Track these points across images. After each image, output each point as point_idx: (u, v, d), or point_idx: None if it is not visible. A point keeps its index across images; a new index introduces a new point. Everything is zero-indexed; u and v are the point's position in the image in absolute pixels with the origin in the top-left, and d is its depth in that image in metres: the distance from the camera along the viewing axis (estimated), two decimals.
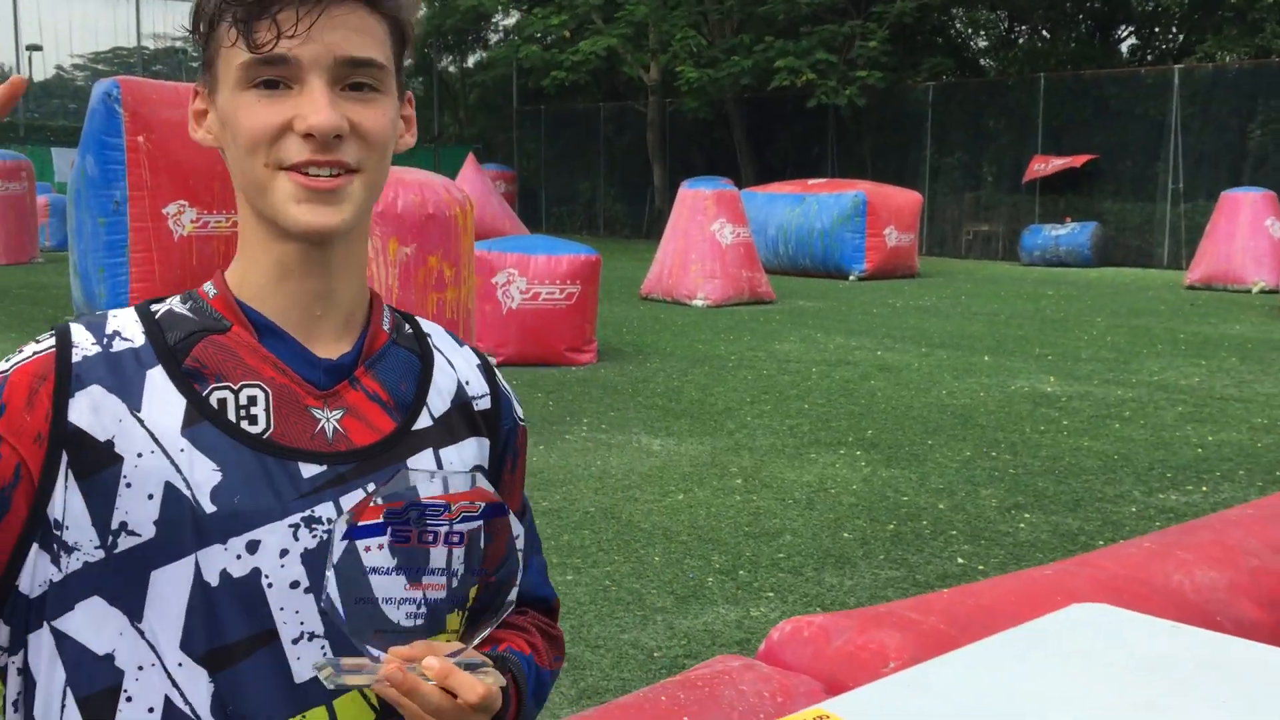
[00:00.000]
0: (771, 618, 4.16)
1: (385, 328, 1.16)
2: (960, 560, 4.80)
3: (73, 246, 11.46)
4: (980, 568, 4.68)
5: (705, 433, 7.15)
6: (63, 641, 1.01)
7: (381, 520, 0.96)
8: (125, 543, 1.00)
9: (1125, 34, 28.25)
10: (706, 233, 14.40)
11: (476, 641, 1.00)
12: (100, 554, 1.00)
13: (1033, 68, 25.72)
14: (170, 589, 1.00)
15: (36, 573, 1.00)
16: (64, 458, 1.00)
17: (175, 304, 1.11)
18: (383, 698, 0.99)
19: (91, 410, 1.01)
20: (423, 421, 1.14)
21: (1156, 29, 27.55)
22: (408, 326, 1.20)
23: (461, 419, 1.17)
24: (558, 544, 4.99)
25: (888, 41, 25.00)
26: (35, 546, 1.00)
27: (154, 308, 1.11)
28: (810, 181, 20.45)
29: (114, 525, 1.00)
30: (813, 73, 24.56)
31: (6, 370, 1.02)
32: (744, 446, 6.79)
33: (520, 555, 1.01)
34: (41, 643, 1.02)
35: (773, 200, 19.57)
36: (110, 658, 1.01)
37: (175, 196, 10.88)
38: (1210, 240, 17.19)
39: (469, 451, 1.16)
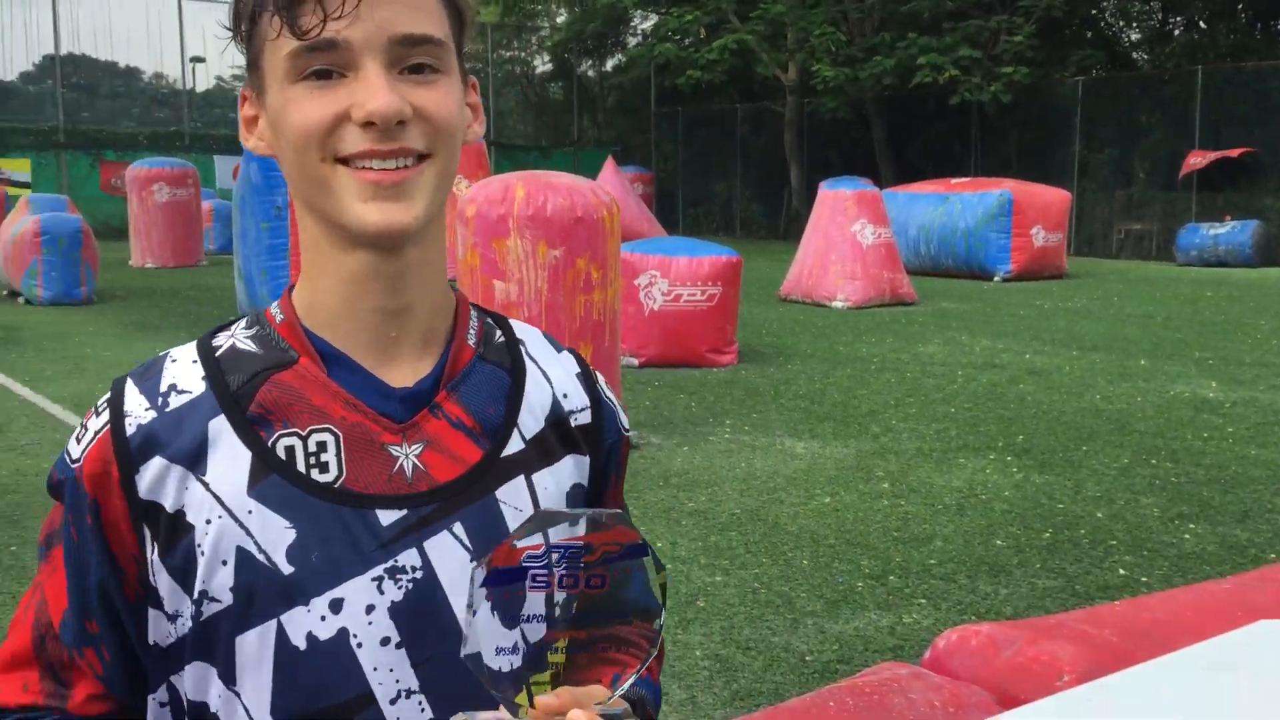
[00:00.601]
0: (924, 625, 4.12)
1: (471, 342, 1.07)
2: (1122, 571, 4.66)
3: (237, 250, 12.01)
4: (1144, 579, 4.53)
5: (849, 435, 7.09)
6: (186, 693, 1.01)
7: (520, 565, 0.89)
8: (209, 609, 0.97)
9: None
10: (847, 233, 14.25)
11: (623, 690, 0.93)
12: (190, 623, 0.98)
13: (1189, 60, 24.68)
14: (256, 654, 0.97)
15: (158, 630, 1.00)
16: (146, 533, 0.98)
17: (240, 335, 1.04)
18: None
19: (157, 482, 0.97)
20: (513, 445, 1.05)
21: None
22: (499, 335, 1.10)
23: (557, 437, 1.08)
24: (705, 545, 5.03)
25: (1034, 36, 24.30)
26: (150, 609, 1.00)
27: (216, 342, 1.04)
28: (953, 180, 20.02)
29: (196, 594, 0.97)
30: (956, 69, 24.04)
31: (79, 460, 0.99)
32: (890, 450, 6.71)
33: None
34: (178, 684, 1.01)
35: (914, 200, 19.24)
36: (217, 716, 0.99)
37: None
38: None
39: (565, 472, 1.08)
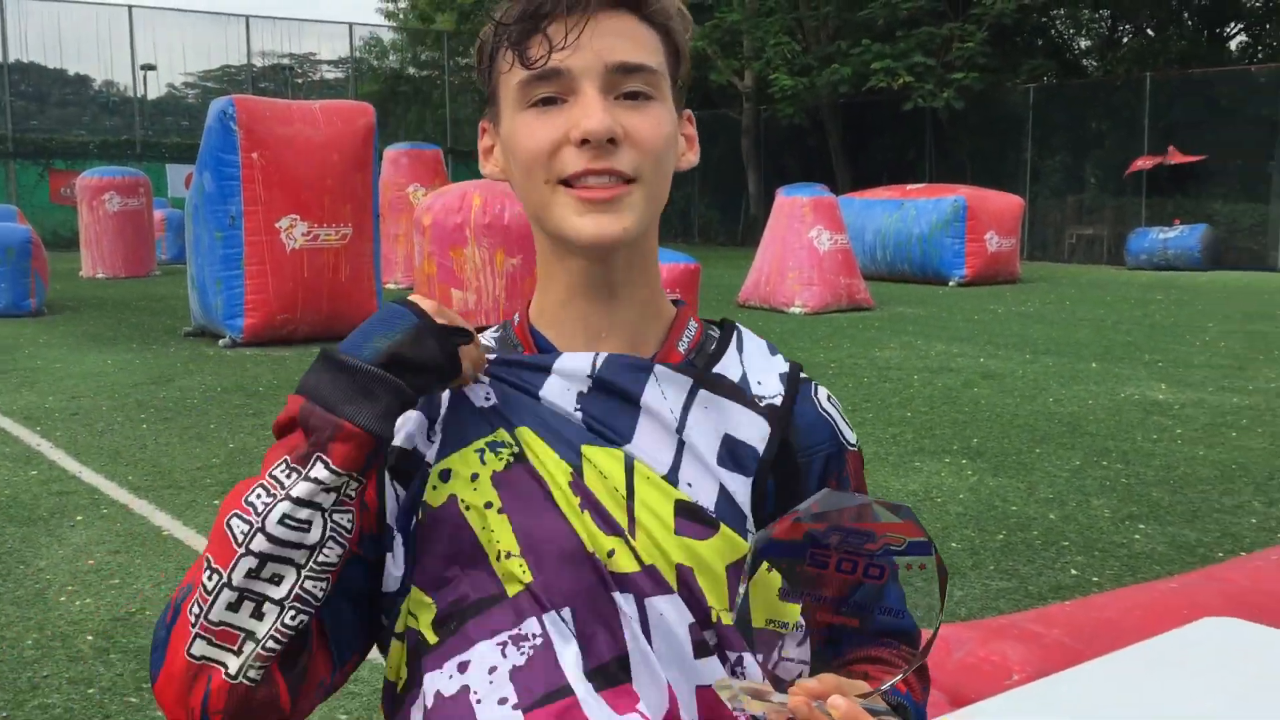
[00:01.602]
0: None
1: (681, 349, 1.15)
2: (1074, 571, 4.73)
3: (190, 260, 11.90)
4: (1095, 579, 4.60)
5: None
6: None
7: (801, 540, 0.89)
8: None
9: (1234, 31, 27.40)
10: (804, 240, 14.35)
11: (889, 686, 0.94)
12: None
13: (1139, 67, 25.09)
14: None
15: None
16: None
17: (487, 333, 1.20)
18: None
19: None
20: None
21: (1268, 25, 26.67)
22: (716, 346, 1.17)
23: (733, 390, 1.13)
24: None
25: (986, 43, 24.62)
26: None
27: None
28: (908, 186, 20.23)
29: None
30: (910, 75, 24.29)
31: None
32: None
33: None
34: None
35: (870, 206, 19.41)
36: None
37: (287, 211, 11.22)
38: None
39: (761, 429, 1.11)
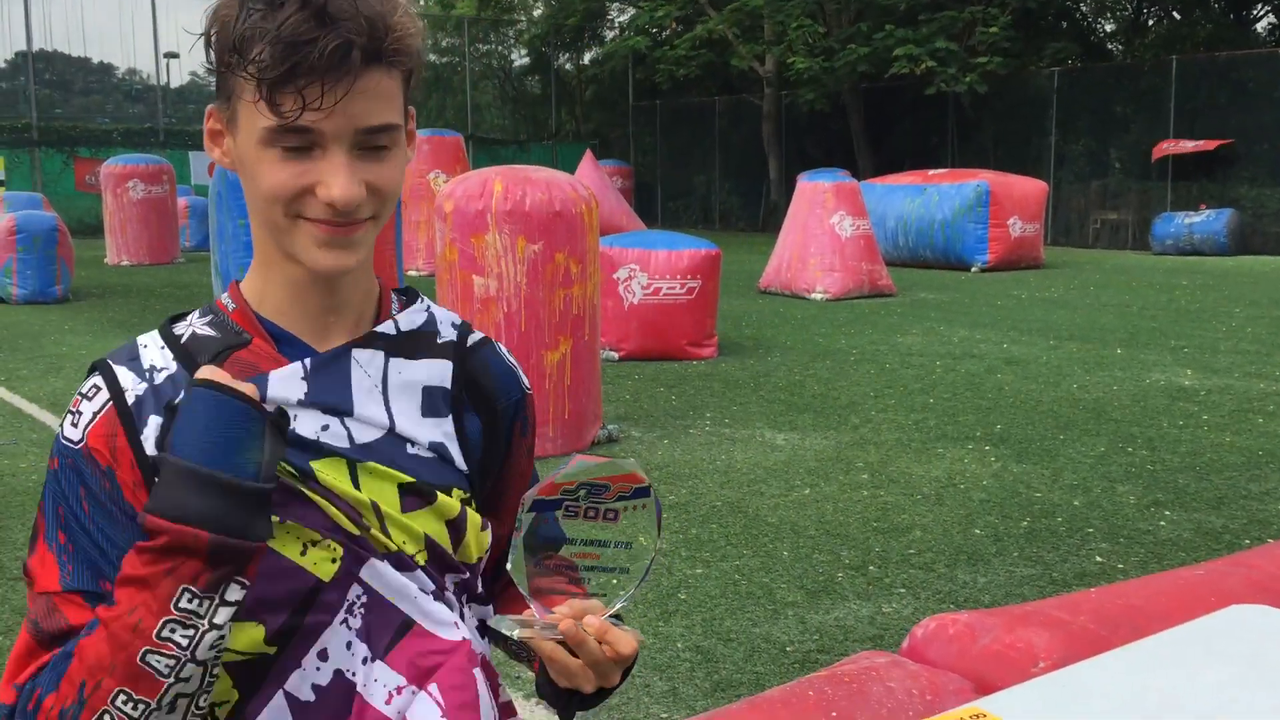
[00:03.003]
0: (904, 614, 4.15)
1: (394, 312, 1.25)
2: (1099, 559, 4.70)
3: (214, 247, 11.92)
4: (1120, 566, 4.58)
5: (829, 427, 7.12)
6: None
7: (558, 497, 1.11)
8: None
9: (1262, 13, 27.08)
10: (825, 225, 14.28)
11: (622, 603, 1.14)
12: None
13: (1164, 51, 24.83)
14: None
15: None
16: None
17: (197, 322, 1.19)
18: (540, 651, 1.12)
19: (156, 437, 1.11)
20: (384, 328, 1.22)
21: None
22: (407, 299, 1.29)
23: (421, 342, 1.24)
24: (686, 538, 5.04)
25: (1010, 27, 24.40)
26: None
27: (177, 331, 1.19)
28: (930, 172, 20.09)
29: None
30: (932, 60, 24.11)
31: (82, 439, 1.12)
32: (869, 441, 6.74)
33: None
34: None
35: (892, 191, 19.30)
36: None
37: None
38: None
39: (444, 371, 1.24)
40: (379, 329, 1.22)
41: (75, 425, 1.13)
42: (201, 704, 1.06)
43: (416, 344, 1.24)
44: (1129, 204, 23.89)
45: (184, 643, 1.01)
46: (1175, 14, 27.25)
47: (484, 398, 1.27)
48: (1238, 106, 22.21)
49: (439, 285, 6.69)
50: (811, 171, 15.29)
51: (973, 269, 17.92)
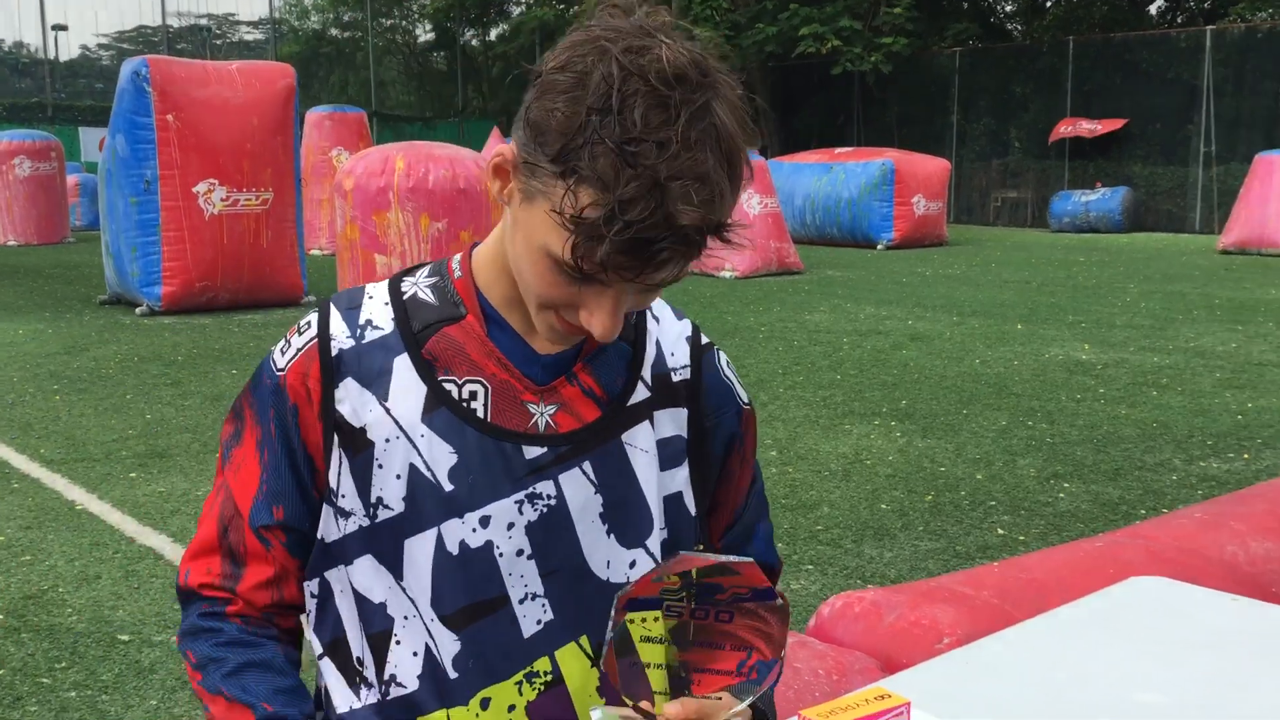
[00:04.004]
0: (812, 590, 4.16)
1: None
2: (1000, 531, 4.77)
3: (104, 226, 11.53)
4: (1021, 538, 4.65)
5: None
6: (353, 584, 1.18)
7: (658, 595, 1.05)
8: (383, 515, 1.16)
9: None
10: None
11: (744, 706, 1.07)
12: (367, 521, 1.16)
13: (1062, 32, 25.39)
14: (420, 555, 1.16)
15: (327, 526, 1.18)
16: (335, 439, 1.16)
17: (422, 283, 1.21)
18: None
19: (348, 401, 1.16)
20: (639, 395, 1.21)
21: None
22: (636, 318, 1.24)
23: (663, 388, 1.23)
24: None
25: (913, 8, 24.72)
26: (324, 506, 1.18)
27: (404, 287, 1.21)
28: (837, 150, 20.30)
29: (373, 499, 1.16)
30: (838, 40, 24.32)
31: (284, 369, 1.18)
32: (777, 418, 6.77)
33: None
34: (338, 579, 1.19)
35: (799, 170, 19.45)
36: (384, 606, 1.17)
37: (205, 175, 10.91)
38: (1244, 204, 16.96)
39: (669, 420, 1.22)
40: (636, 400, 1.21)
41: (284, 354, 1.20)
42: None
43: (663, 392, 1.23)
44: (1028, 182, 24.43)
45: None
46: None
47: (696, 416, 1.26)
48: (1132, 87, 22.82)
49: (340, 264, 6.55)
50: None
51: (879, 246, 18.16)
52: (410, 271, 1.23)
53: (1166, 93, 22.39)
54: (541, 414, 1.17)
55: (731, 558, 1.05)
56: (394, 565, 1.16)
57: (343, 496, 1.16)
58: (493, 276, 1.17)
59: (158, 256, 10.80)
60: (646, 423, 1.20)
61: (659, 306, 1.27)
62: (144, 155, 10.70)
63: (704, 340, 1.29)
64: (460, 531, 1.15)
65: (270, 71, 11.61)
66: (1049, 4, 28.58)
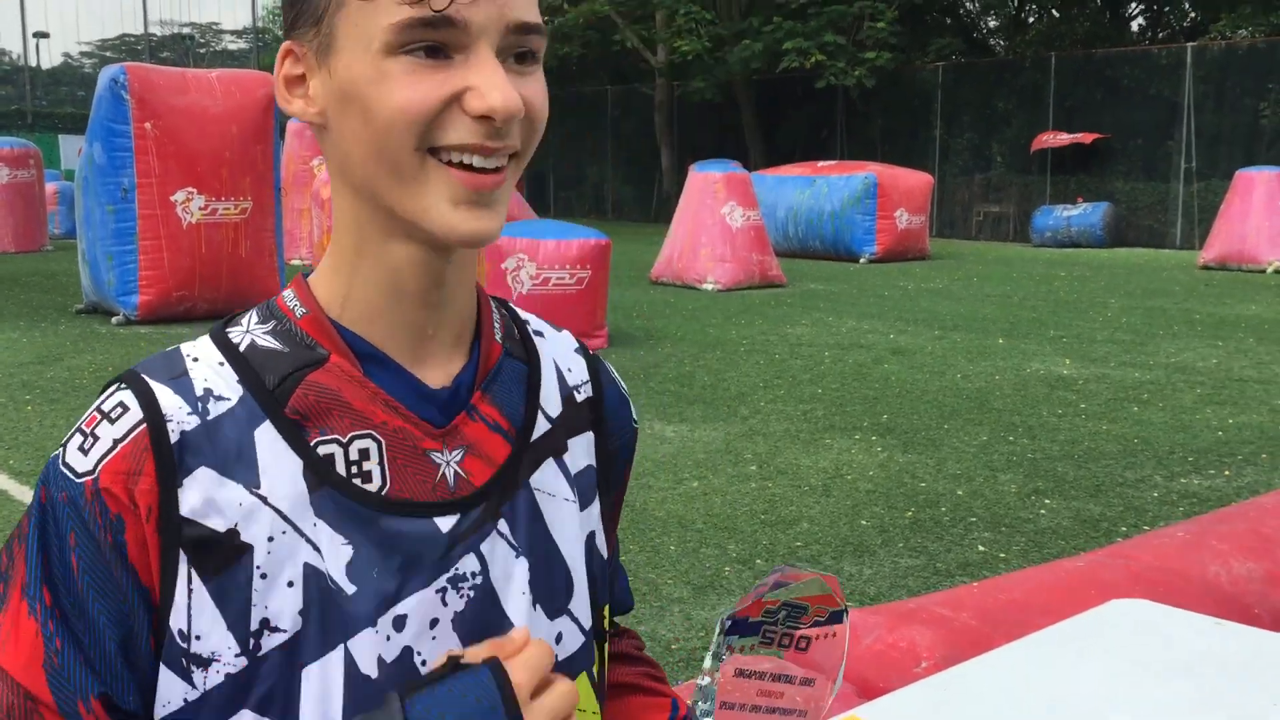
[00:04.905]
0: None
1: (498, 336, 0.99)
2: (981, 548, 4.74)
3: (81, 234, 11.43)
4: (1001, 555, 4.61)
5: (719, 419, 7.09)
6: None
7: (760, 618, 0.93)
8: (269, 642, 0.85)
9: (1135, 11, 28.02)
10: (717, 216, 14.30)
11: None
12: (244, 662, 0.85)
13: (1045, 47, 25.53)
14: (328, 685, 0.86)
15: (169, 690, 0.85)
16: (182, 560, 0.84)
17: (255, 329, 0.92)
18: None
19: (204, 500, 0.85)
20: (539, 430, 0.99)
21: (1167, 7, 27.32)
22: (514, 327, 1.03)
23: (570, 413, 1.03)
24: None
25: (896, 22, 24.83)
26: (161, 667, 0.85)
27: (233, 338, 0.92)
28: (820, 164, 20.32)
29: (254, 625, 0.85)
30: (821, 54, 24.41)
31: (92, 473, 0.84)
32: (758, 432, 6.73)
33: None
34: None
35: (782, 183, 19.46)
36: None
37: (183, 184, 10.83)
38: (1224, 220, 17.04)
39: (581, 449, 1.03)
40: (536, 436, 0.98)
41: (85, 453, 0.85)
42: None
43: (571, 416, 1.02)
44: (1010, 197, 24.52)
45: None
46: (1055, 11, 28.02)
47: (601, 438, 1.06)
48: (1113, 102, 22.95)
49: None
50: (703, 162, 15.31)
51: (861, 260, 18.17)
52: (231, 321, 0.94)
53: (1147, 109, 22.52)
54: (448, 464, 0.92)
55: (826, 575, 0.96)
56: (286, 708, 0.85)
57: (197, 639, 0.84)
58: (352, 300, 0.91)
59: (134, 265, 10.70)
60: (554, 459, 1.00)
61: (536, 322, 1.07)
62: (121, 163, 10.62)
63: (587, 348, 1.11)
64: (373, 644, 0.87)
65: (250, 80, 11.54)
66: (1031, 19, 28.75)
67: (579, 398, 1.04)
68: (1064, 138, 22.90)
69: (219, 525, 0.85)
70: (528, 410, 0.98)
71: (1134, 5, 27.80)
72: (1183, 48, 22.58)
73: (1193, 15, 26.35)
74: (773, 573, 0.94)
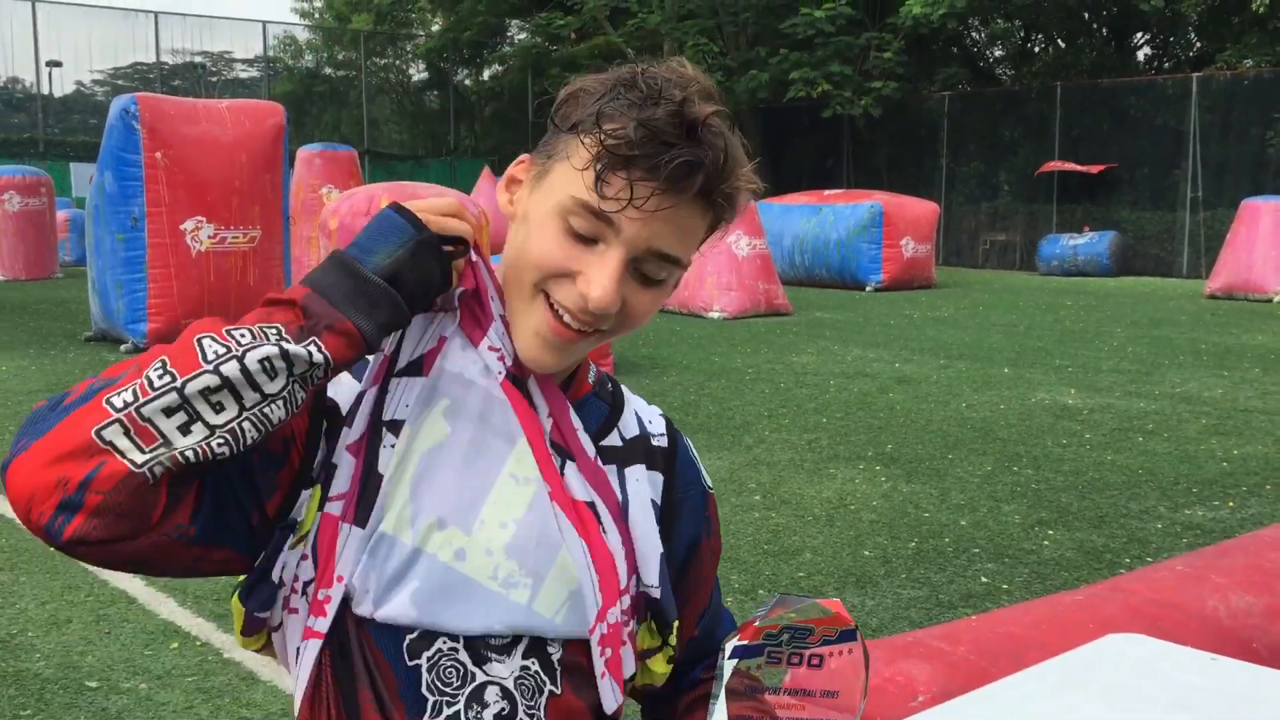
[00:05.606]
0: None
1: (590, 379, 1.22)
2: (984, 579, 4.73)
3: (91, 262, 11.50)
4: (1005, 587, 4.61)
5: (723, 447, 7.09)
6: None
7: (761, 641, 1.03)
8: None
9: (1141, 41, 28.13)
10: (723, 244, 14.33)
11: None
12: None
13: (1051, 77, 25.63)
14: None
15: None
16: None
17: None
18: None
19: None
20: (612, 439, 1.20)
21: (1172, 37, 27.42)
22: (609, 385, 1.26)
23: (642, 449, 1.21)
24: None
25: (903, 52, 24.95)
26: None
27: None
28: (826, 192, 20.38)
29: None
30: (828, 84, 24.53)
31: None
32: (762, 461, 6.73)
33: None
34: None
35: (788, 211, 19.51)
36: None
37: (193, 212, 10.91)
38: (1230, 249, 17.05)
39: (645, 481, 1.20)
40: (607, 443, 1.19)
41: None
42: (214, 447, 0.95)
43: (641, 448, 1.22)
44: (1017, 225, 24.55)
45: (244, 341, 0.96)
46: (1061, 42, 28.13)
47: (669, 488, 1.24)
48: (1119, 132, 23.01)
49: None
50: None
51: (867, 288, 18.20)
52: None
53: (1154, 138, 22.58)
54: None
55: (826, 600, 1.05)
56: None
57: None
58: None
59: (143, 293, 10.76)
60: (617, 465, 1.19)
61: (631, 394, 1.28)
62: (131, 192, 10.70)
63: (675, 427, 1.30)
64: None
65: (260, 110, 11.65)
66: (1037, 50, 28.87)
67: (654, 443, 1.22)
68: (1071, 165, 22.97)
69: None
70: (602, 426, 1.19)
71: (1140, 35, 27.89)
72: (1189, 78, 22.65)
73: (1199, 45, 26.42)
74: (772, 601, 1.03)
